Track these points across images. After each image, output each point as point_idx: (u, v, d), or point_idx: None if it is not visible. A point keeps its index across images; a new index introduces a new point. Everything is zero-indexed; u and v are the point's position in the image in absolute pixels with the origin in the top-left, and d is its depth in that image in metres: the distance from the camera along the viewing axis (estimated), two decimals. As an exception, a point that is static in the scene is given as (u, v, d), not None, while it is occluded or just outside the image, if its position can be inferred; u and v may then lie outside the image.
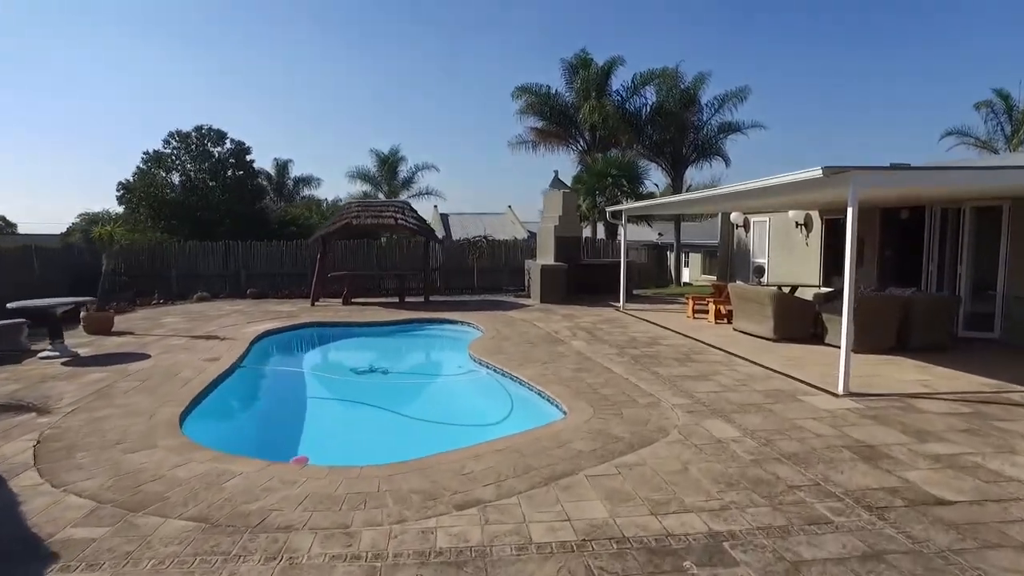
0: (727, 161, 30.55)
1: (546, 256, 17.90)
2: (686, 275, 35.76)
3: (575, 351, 9.76)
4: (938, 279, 12.09)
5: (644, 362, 8.92)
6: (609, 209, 15.57)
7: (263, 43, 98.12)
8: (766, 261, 18.57)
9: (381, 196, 50.27)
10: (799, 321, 10.90)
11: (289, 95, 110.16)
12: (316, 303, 16.65)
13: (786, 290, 14.25)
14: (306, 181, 51.28)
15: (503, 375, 8.53)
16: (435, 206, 46.95)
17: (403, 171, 49.32)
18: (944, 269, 12.04)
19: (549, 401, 7.15)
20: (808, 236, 16.73)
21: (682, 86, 28.28)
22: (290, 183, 50.96)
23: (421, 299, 17.05)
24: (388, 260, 20.21)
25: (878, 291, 11.90)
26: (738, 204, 12.87)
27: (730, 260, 20.71)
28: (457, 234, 36.66)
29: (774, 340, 10.78)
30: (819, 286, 16.06)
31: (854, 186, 6.99)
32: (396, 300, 17.20)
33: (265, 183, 49.77)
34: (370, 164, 48.93)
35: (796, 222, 16.87)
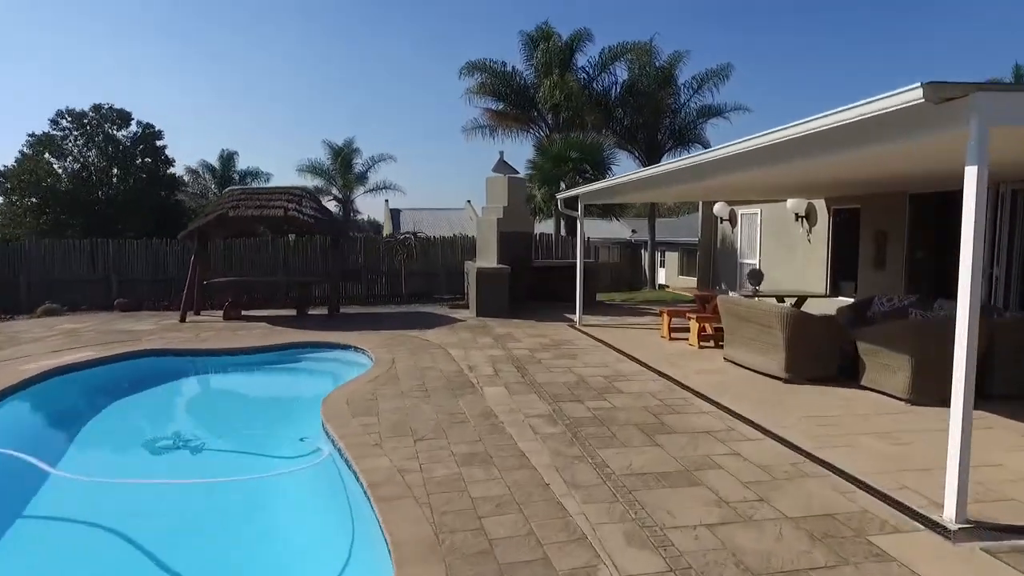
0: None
1: (487, 257, 14.36)
2: (662, 276, 32.49)
3: (483, 410, 6.20)
4: (1006, 288, 8.76)
5: (587, 436, 5.39)
6: (560, 195, 12.10)
7: (216, 31, 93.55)
8: (757, 262, 15.23)
9: (335, 191, 46.53)
10: (823, 352, 7.48)
11: (240, 86, 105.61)
12: (189, 318, 12.91)
13: (789, 302, 10.88)
14: (253, 175, 47.39)
15: (348, 465, 4.95)
16: (386, 200, 43.25)
17: (358, 164, 45.76)
18: (1012, 275, 8.73)
19: (387, 546, 3.59)
20: (811, 231, 13.41)
21: (657, 63, 24.94)
22: (236, 177, 46.93)
23: (328, 311, 13.36)
24: (299, 262, 16.50)
25: (918, 307, 8.59)
26: (734, 181, 9.42)
27: (713, 261, 17.39)
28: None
29: (785, 380, 7.36)
30: (825, 294, 12.75)
31: (980, 121, 3.50)
32: (295, 313, 13.52)
33: (208, 176, 45.78)
34: (323, 157, 45.28)
35: (796, 214, 13.54)
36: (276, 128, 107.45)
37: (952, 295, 9.34)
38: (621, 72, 25.21)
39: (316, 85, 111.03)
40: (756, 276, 10.45)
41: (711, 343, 9.91)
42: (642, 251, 33.00)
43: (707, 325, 10.00)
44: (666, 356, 8.95)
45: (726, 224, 16.54)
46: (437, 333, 10.99)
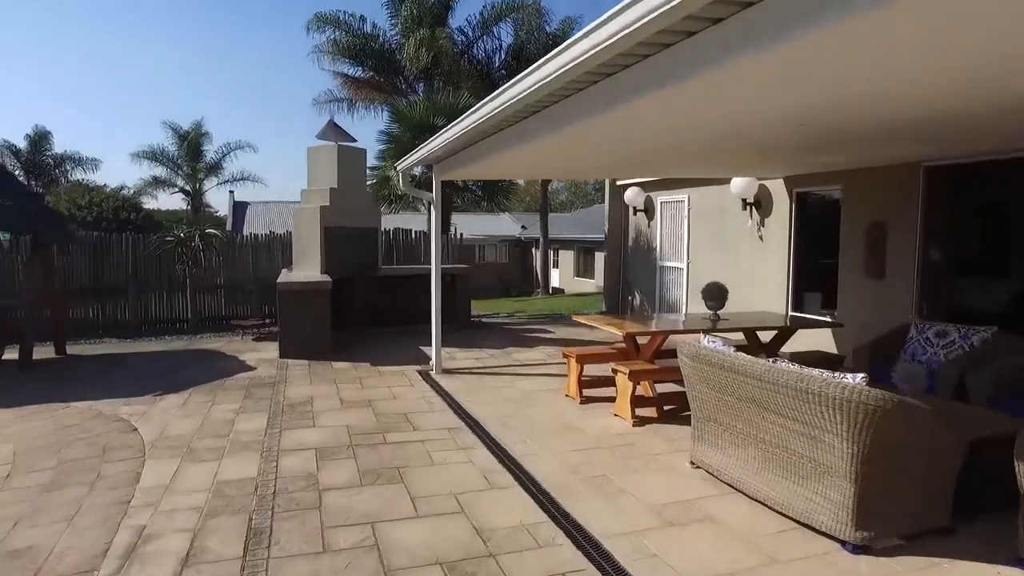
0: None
1: (307, 263, 9.60)
2: (556, 278, 28.79)
3: None
4: None
5: None
6: (402, 164, 7.55)
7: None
8: (684, 265, 11.46)
9: (180, 181, 39.72)
10: (925, 480, 3.44)
11: (61, 59, 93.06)
12: None
13: (764, 337, 6.99)
14: (75, 160, 39.29)
15: None
16: (231, 192, 37.16)
17: (210, 151, 39.26)
18: None
19: None
20: (763, 225, 9.72)
21: (548, 29, 21.04)
22: (51, 161, 38.62)
23: (20, 359, 7.99)
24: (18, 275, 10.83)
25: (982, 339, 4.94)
26: (646, 131, 5.22)
27: (623, 263, 13.53)
28: (260, 231, 27.07)
29: (854, 547, 3.26)
30: (786, 317, 9.11)
31: None
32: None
33: (11, 160, 37.39)
34: (167, 142, 38.35)
35: (744, 200, 9.80)
36: (110, 108, 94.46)
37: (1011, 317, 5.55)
38: (507, 35, 21.12)
39: (162, 60, 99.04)
40: (716, 294, 6.39)
41: (653, 412, 5.78)
42: (533, 250, 29.14)
43: (646, 385, 5.86)
44: (581, 459, 4.66)
45: (641, 216, 12.69)
46: (174, 404, 6.12)
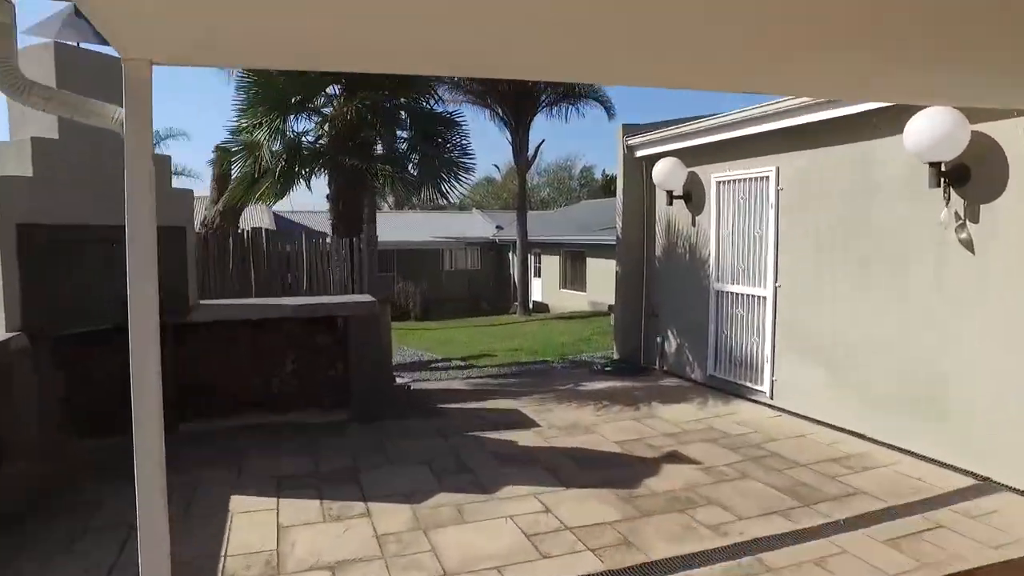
0: (608, 108, 19.04)
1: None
2: (537, 290, 23.56)
3: None
4: None
5: None
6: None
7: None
8: (770, 294, 6.30)
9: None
10: None
11: None
12: None
13: None
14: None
15: None
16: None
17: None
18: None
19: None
20: (972, 218, 4.54)
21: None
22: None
23: None
24: None
25: None
26: None
27: (647, 286, 8.33)
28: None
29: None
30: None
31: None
32: None
33: None
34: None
35: (935, 169, 4.63)
36: None
37: None
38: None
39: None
40: None
41: None
42: (511, 254, 23.96)
43: None
44: None
45: (680, 206, 7.52)
46: None
